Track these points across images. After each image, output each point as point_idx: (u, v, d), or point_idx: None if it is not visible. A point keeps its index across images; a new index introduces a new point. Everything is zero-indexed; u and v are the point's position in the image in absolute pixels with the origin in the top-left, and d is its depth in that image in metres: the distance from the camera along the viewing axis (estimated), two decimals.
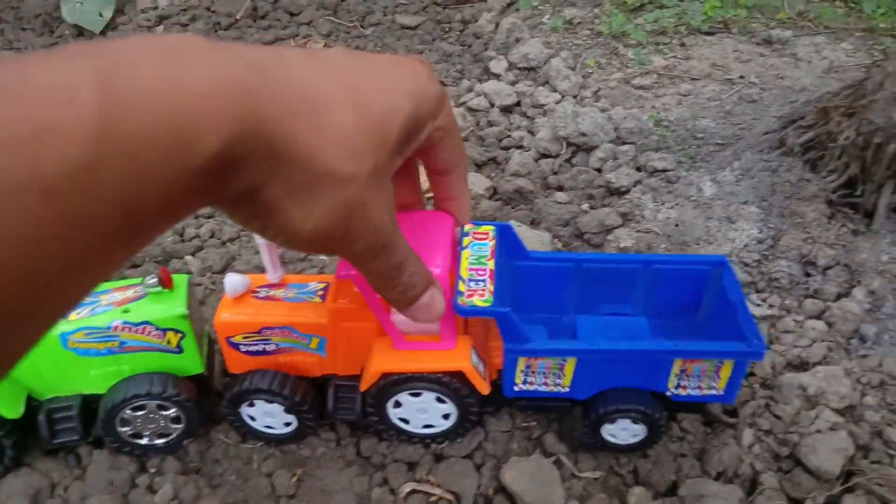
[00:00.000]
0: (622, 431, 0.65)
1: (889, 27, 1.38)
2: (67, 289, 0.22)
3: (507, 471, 0.64)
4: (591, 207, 0.98)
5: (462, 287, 0.58)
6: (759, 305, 0.82)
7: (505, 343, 0.60)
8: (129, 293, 0.63)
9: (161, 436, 0.66)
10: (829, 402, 0.69)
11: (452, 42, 1.44)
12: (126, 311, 0.61)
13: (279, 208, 0.28)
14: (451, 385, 0.62)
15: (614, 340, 0.64)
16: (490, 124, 1.16)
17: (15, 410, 0.63)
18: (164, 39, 0.24)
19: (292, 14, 1.54)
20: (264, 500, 0.65)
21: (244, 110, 0.24)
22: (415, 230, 0.46)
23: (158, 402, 0.63)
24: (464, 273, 0.59)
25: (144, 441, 0.66)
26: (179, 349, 0.63)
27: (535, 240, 0.89)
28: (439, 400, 0.64)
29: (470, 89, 1.26)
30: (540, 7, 1.48)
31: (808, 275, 0.85)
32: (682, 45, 1.35)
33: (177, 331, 0.62)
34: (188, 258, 0.91)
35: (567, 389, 0.64)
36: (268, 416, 0.66)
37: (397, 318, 0.60)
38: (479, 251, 0.61)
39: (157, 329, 0.61)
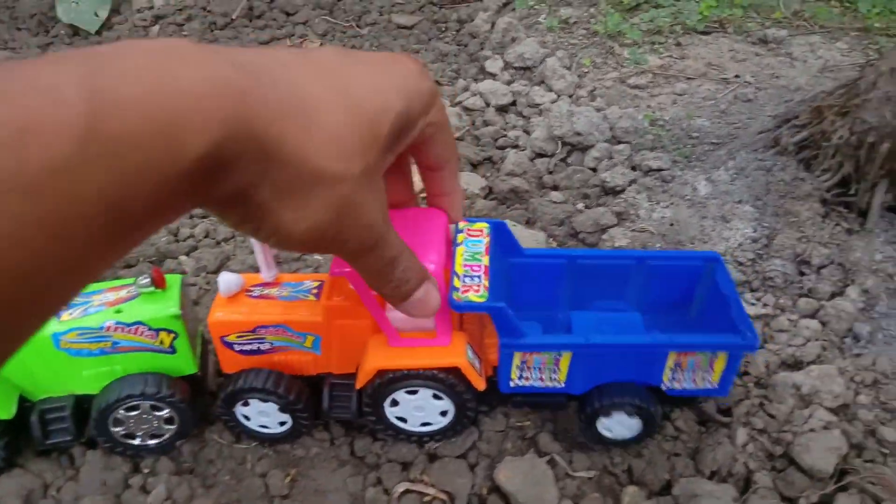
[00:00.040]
0: (618, 426, 0.65)
1: (884, 27, 1.38)
2: (53, 289, 0.22)
3: (500, 470, 0.64)
4: (587, 207, 0.98)
5: (457, 283, 0.58)
6: (753, 304, 0.82)
7: (501, 338, 0.60)
8: (122, 293, 0.63)
9: (154, 436, 0.66)
10: (823, 401, 0.70)
11: (448, 42, 1.44)
12: (119, 312, 0.61)
13: (271, 210, 0.28)
14: (447, 381, 0.62)
15: (609, 335, 0.64)
16: (486, 124, 1.16)
17: (7, 411, 0.63)
18: (152, 43, 0.24)
19: (288, 14, 1.53)
20: (258, 500, 0.65)
21: (233, 112, 0.24)
22: (408, 227, 0.46)
23: (152, 402, 0.63)
24: (458, 269, 0.59)
25: (137, 441, 0.65)
26: (172, 349, 0.63)
27: (530, 239, 0.89)
28: (436, 397, 0.64)
29: (466, 89, 1.26)
30: (536, 7, 1.48)
31: (802, 274, 0.85)
32: (678, 44, 1.36)
33: (170, 331, 0.62)
34: (183, 258, 0.91)
35: (562, 385, 0.64)
36: (262, 416, 0.66)
37: (393, 315, 0.60)
38: (473, 247, 0.61)
39: (149, 329, 0.61)
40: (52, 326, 0.60)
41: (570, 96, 1.21)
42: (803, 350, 0.76)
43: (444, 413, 0.65)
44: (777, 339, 0.78)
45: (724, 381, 0.63)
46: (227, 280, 0.63)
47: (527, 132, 1.13)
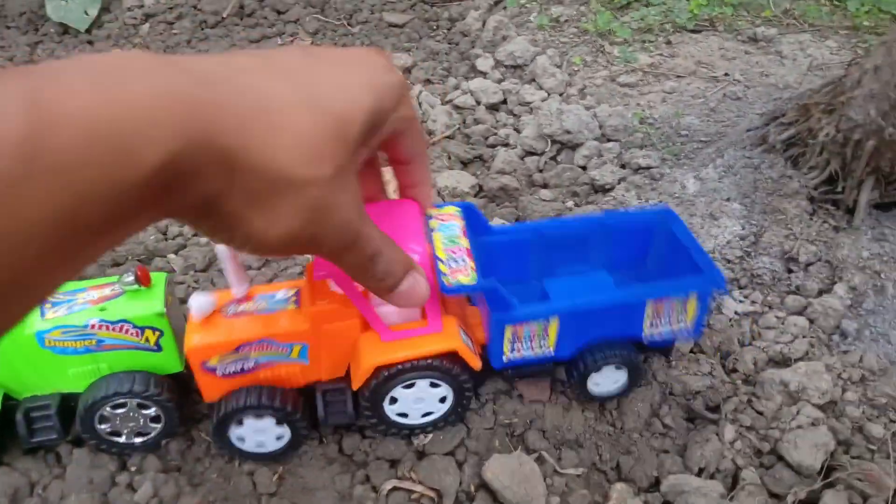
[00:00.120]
0: (606, 379, 0.68)
1: (873, 25, 1.39)
2: (8, 303, 0.22)
3: (488, 467, 0.64)
4: (576, 205, 0.98)
5: (443, 268, 0.58)
6: (741, 302, 0.82)
7: (493, 314, 0.60)
8: (106, 291, 0.62)
9: (139, 434, 0.65)
10: (811, 397, 0.70)
11: (439, 40, 1.44)
12: (103, 310, 0.61)
13: (241, 218, 0.28)
14: (444, 367, 0.62)
15: (591, 295, 0.66)
16: (476, 122, 1.16)
17: None
18: (104, 57, 0.24)
19: (279, 12, 1.53)
20: (245, 498, 0.65)
21: (189, 122, 0.24)
22: (386, 219, 0.46)
23: (139, 400, 0.63)
24: (440, 254, 0.59)
25: (122, 439, 0.65)
26: (158, 347, 0.63)
27: None
28: (433, 385, 0.63)
29: (456, 87, 1.26)
30: (527, 5, 1.49)
31: (789, 271, 0.85)
32: (668, 42, 1.36)
33: (155, 329, 0.62)
34: (171, 256, 0.91)
35: (552, 351, 0.66)
36: (259, 434, 0.64)
37: (383, 310, 0.60)
38: (449, 231, 0.61)
39: (134, 327, 0.61)
40: (37, 324, 0.60)
41: (561, 94, 1.21)
42: (791, 347, 0.76)
43: (443, 399, 0.65)
44: (765, 336, 0.78)
45: (697, 323, 0.67)
46: (199, 302, 0.59)
47: (517, 130, 1.13)
